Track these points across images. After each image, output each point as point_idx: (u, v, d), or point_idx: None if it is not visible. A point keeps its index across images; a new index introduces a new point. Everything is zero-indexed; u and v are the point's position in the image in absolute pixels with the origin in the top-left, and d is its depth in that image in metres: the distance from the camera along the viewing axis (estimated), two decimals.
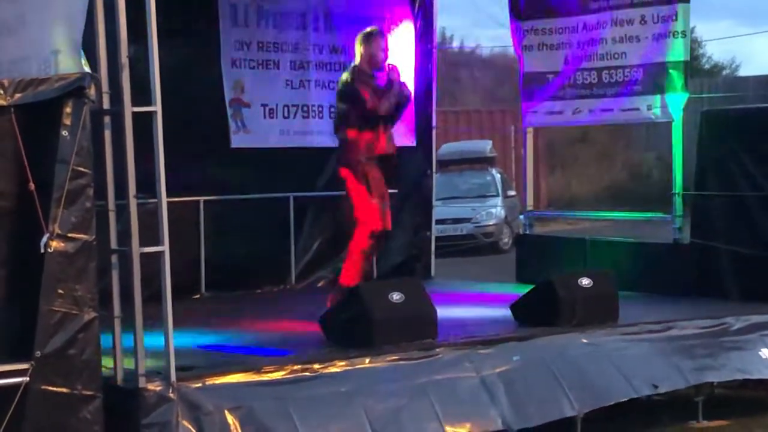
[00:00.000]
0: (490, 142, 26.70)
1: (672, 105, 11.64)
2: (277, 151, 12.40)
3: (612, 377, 8.67)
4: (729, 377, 9.27)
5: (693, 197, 11.36)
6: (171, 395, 7.11)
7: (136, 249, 7.05)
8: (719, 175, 10.97)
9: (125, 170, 7.00)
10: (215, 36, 11.93)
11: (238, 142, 12.09)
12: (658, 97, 11.71)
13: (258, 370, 7.59)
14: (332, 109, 12.56)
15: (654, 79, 11.69)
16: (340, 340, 8.48)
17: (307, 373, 7.74)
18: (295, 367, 7.72)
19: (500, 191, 25.20)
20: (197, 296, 11.98)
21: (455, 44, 40.56)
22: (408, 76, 13.18)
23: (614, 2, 12.02)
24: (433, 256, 13.82)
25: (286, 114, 12.44)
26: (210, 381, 7.36)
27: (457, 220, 23.61)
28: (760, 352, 9.45)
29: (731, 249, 10.76)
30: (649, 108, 11.78)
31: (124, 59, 6.96)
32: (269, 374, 7.61)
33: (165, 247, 7.10)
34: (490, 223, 24.46)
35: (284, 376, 7.64)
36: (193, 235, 12.01)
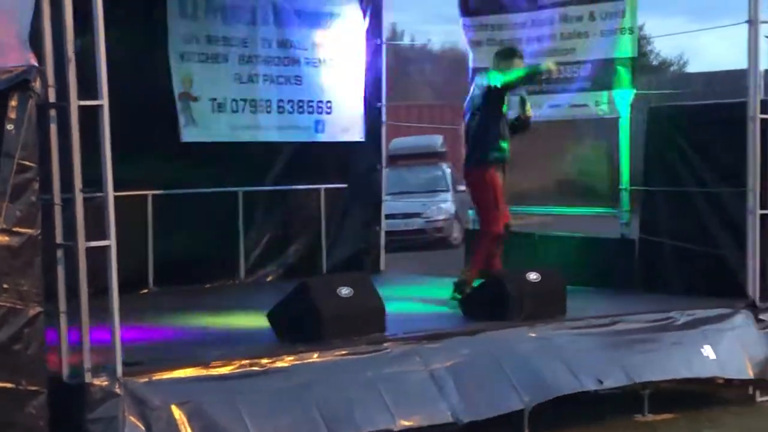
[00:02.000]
0: (441, 137, 26.72)
1: (619, 101, 11.72)
2: (226, 145, 12.35)
3: (559, 371, 8.73)
4: (671, 375, 9.35)
5: (640, 193, 11.43)
6: (117, 390, 7.09)
7: (82, 243, 7.00)
8: (666, 170, 11.05)
9: (71, 164, 6.95)
10: (164, 29, 11.87)
11: (188, 136, 12.03)
12: (605, 93, 11.79)
13: (206, 365, 7.58)
14: (281, 103, 12.57)
15: (602, 75, 11.76)
16: (288, 334, 8.47)
17: (255, 368, 7.74)
18: (243, 362, 7.72)
19: (450, 186, 25.23)
20: (145, 291, 11.92)
21: (406, 39, 40.59)
22: (357, 72, 13.21)
23: None
24: (382, 251, 13.84)
25: (234, 108, 12.39)
26: (157, 376, 7.34)
27: (407, 215, 23.62)
28: (702, 349, 9.54)
29: (677, 244, 10.83)
30: (597, 104, 11.85)
31: (71, 53, 6.91)
32: (217, 369, 7.59)
33: (111, 242, 7.07)
34: (440, 217, 24.49)
35: (232, 371, 7.64)
36: (141, 229, 11.95)
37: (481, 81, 10.55)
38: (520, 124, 10.82)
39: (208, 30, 12.13)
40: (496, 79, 10.37)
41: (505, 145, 10.54)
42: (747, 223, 10.16)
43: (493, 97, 10.41)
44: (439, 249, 22.53)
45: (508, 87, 10.42)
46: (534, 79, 10.86)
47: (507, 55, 10.72)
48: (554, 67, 10.69)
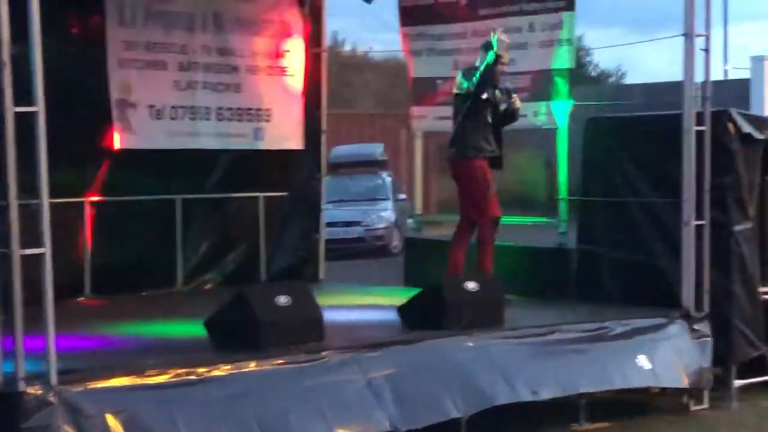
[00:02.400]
0: (382, 145, 26.78)
1: (557, 112, 11.81)
2: (164, 152, 12.30)
3: (495, 381, 8.76)
4: (606, 386, 9.42)
5: (578, 203, 11.50)
6: (51, 399, 7.02)
7: (17, 251, 6.94)
8: (603, 181, 11.13)
9: (6, 171, 6.89)
10: (102, 35, 11.80)
11: (124, 143, 11.97)
12: (544, 104, 11.87)
13: (141, 374, 7.52)
14: (220, 111, 12.54)
15: (541, 86, 11.84)
16: (226, 343, 8.44)
17: (191, 377, 7.69)
18: (180, 371, 7.66)
19: (391, 194, 25.29)
20: (81, 298, 11.84)
21: (348, 47, 40.63)
22: (297, 80, 13.21)
23: (502, 9, 12.15)
24: (322, 259, 13.84)
25: (173, 115, 12.34)
26: (92, 385, 7.28)
27: (347, 223, 23.65)
28: (637, 360, 9.61)
29: (614, 254, 10.91)
30: (536, 114, 11.92)
31: (5, 58, 6.85)
32: (153, 378, 7.54)
33: (47, 249, 7.01)
34: (381, 226, 24.53)
35: (168, 380, 7.58)
36: (78, 236, 11.87)
37: (460, 81, 10.84)
38: (508, 115, 10.99)
39: (147, 37, 12.08)
40: (464, 85, 10.74)
41: (491, 138, 10.87)
42: (682, 234, 10.25)
43: (471, 98, 10.72)
44: (379, 257, 22.55)
45: (473, 89, 10.67)
46: (492, 69, 10.75)
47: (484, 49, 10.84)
48: (502, 37, 10.73)
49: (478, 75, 10.67)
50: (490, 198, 10.88)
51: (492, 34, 10.80)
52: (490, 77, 10.71)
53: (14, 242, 6.93)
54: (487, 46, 10.70)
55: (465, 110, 10.81)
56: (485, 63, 10.67)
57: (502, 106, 10.89)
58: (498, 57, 10.66)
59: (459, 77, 10.92)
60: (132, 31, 11.98)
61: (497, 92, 10.85)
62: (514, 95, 10.95)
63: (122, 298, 11.81)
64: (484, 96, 10.73)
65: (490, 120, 10.84)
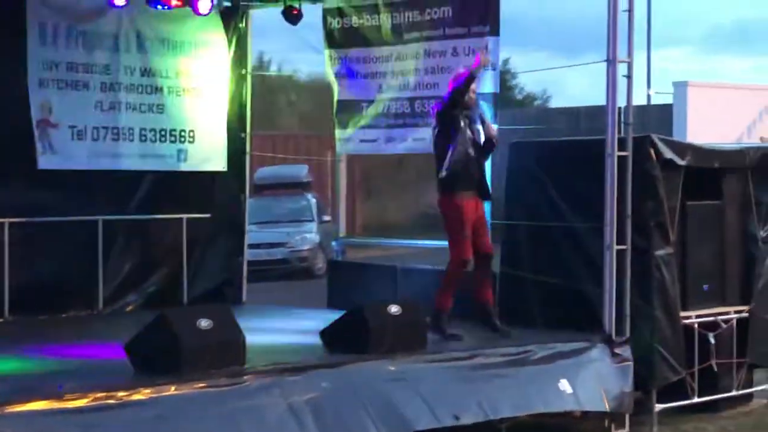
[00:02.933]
0: (306, 167, 26.75)
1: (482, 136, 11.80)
2: (86, 173, 12.21)
3: (417, 406, 8.76)
4: (527, 411, 9.45)
5: (502, 227, 11.54)
6: None
7: None
8: (527, 205, 11.19)
9: None
10: (23, 56, 11.69)
11: (44, 163, 11.86)
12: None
13: (60, 398, 7.44)
14: (143, 132, 12.47)
15: None
16: (146, 367, 8.36)
17: (111, 401, 7.61)
18: (99, 395, 7.59)
19: (315, 216, 25.25)
20: (0, 320, 11.68)
21: (273, 68, 40.52)
22: (221, 101, 13.17)
23: (427, 33, 12.18)
24: (245, 281, 13.78)
25: (95, 136, 12.25)
26: (9, 409, 7.18)
27: (271, 245, 23.56)
28: (559, 384, 9.66)
29: (538, 278, 10.96)
30: None
31: None
32: (72, 402, 7.45)
33: None
34: (305, 248, 24.48)
35: (87, 404, 7.50)
36: None
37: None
38: (487, 145, 10.59)
39: (69, 57, 12.00)
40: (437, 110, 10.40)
41: (471, 170, 10.39)
42: (604, 258, 10.32)
43: (442, 121, 10.38)
44: (303, 279, 22.49)
45: (447, 108, 10.32)
46: (468, 84, 10.33)
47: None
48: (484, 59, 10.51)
49: (447, 99, 10.36)
50: (460, 238, 10.36)
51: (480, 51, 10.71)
52: (459, 101, 10.33)
53: None
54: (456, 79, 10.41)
55: (440, 145, 10.42)
56: (456, 88, 10.34)
57: (480, 137, 10.56)
58: (471, 77, 10.28)
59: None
60: (53, 50, 11.89)
61: (471, 124, 10.47)
62: (487, 121, 10.67)
63: (42, 319, 11.69)
64: (461, 127, 10.32)
65: (472, 153, 10.42)
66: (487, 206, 10.87)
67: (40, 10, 11.77)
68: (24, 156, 11.71)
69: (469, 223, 10.37)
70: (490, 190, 10.65)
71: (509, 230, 11.39)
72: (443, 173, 10.36)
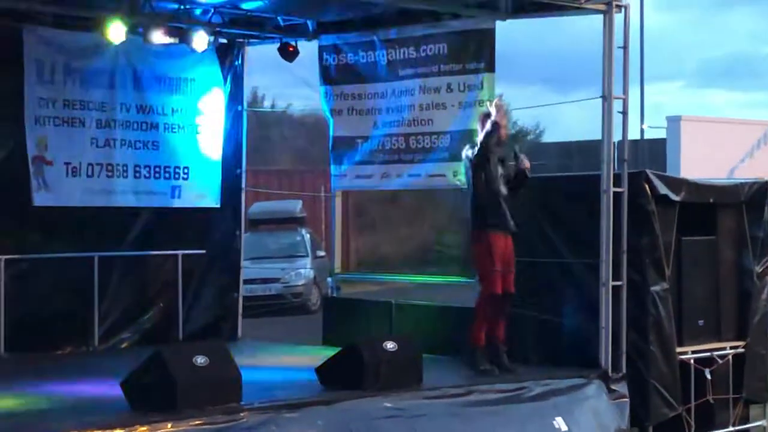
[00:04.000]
0: (300, 202, 26.77)
1: None
2: (82, 209, 12.21)
3: None
4: None
5: None
6: None
7: None
8: (520, 240, 11.18)
9: None
10: (20, 92, 11.71)
11: (39, 200, 11.86)
12: (463, 163, 11.90)
13: None
14: (137, 168, 12.49)
15: (460, 146, 11.84)
16: (143, 403, 8.34)
17: None
18: None
19: (309, 251, 25.26)
20: None
21: (267, 103, 40.61)
22: (216, 138, 13.19)
23: (422, 70, 12.21)
24: (240, 317, 13.76)
25: (90, 173, 12.26)
26: None
27: (266, 280, 23.57)
28: (554, 421, 9.64)
29: (533, 314, 10.95)
30: (455, 174, 11.95)
31: None
32: None
33: None
34: (299, 283, 24.49)
35: None
36: None
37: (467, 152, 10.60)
38: (519, 178, 10.68)
39: (65, 94, 12.02)
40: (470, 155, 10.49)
41: (503, 207, 10.50)
42: (600, 294, 10.33)
43: (474, 167, 10.50)
44: (298, 315, 22.48)
45: (478, 157, 10.43)
46: (492, 135, 10.42)
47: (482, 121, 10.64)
48: (498, 103, 10.60)
49: (479, 149, 10.44)
50: (489, 273, 10.43)
51: (488, 104, 10.73)
52: (490, 147, 10.44)
53: None
54: (486, 116, 10.52)
55: (474, 182, 10.54)
56: (485, 133, 10.42)
57: (507, 170, 10.63)
58: (496, 124, 10.40)
59: (464, 159, 10.68)
60: (50, 87, 11.92)
61: (504, 164, 10.59)
62: (522, 155, 10.72)
63: (38, 356, 11.66)
64: (495, 167, 10.45)
65: (503, 191, 10.51)
66: None
67: (37, 47, 11.80)
68: (19, 193, 11.71)
69: (499, 257, 10.44)
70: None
71: None
72: (480, 213, 10.48)
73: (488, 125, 10.37)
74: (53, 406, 8.79)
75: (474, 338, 10.47)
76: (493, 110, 10.44)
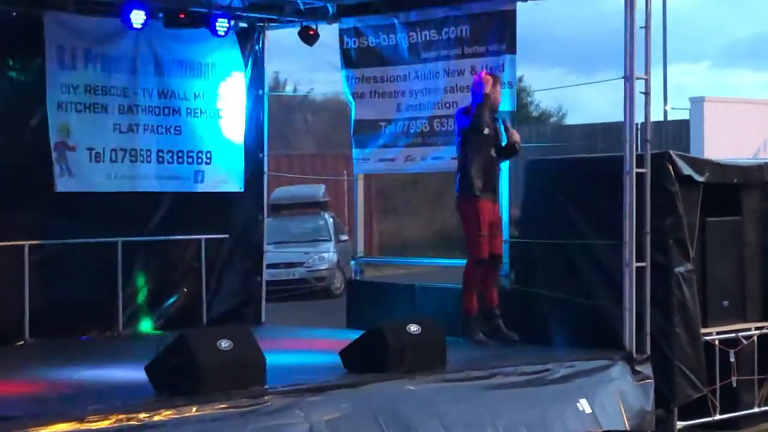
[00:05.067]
0: (323, 186, 26.78)
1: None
2: (106, 195, 12.24)
3: (435, 428, 8.72)
4: None
5: (518, 244, 11.53)
6: None
7: None
8: (543, 222, 11.18)
9: None
10: (42, 79, 11.74)
11: (62, 186, 11.91)
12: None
13: (81, 420, 7.44)
14: (160, 153, 12.52)
15: None
16: (167, 388, 8.36)
17: (132, 422, 7.61)
18: (120, 416, 7.59)
19: (333, 236, 25.28)
20: (21, 342, 11.71)
21: (289, 88, 40.64)
22: (238, 122, 13.20)
23: (445, 53, 12.20)
24: (263, 302, 13.78)
25: (113, 158, 12.29)
26: (33, 431, 7.17)
27: (289, 265, 23.60)
28: (578, 404, 9.62)
29: (556, 296, 10.94)
30: None
31: None
32: (93, 424, 7.45)
33: None
34: (323, 267, 24.51)
35: (109, 426, 7.50)
36: (18, 280, 11.75)
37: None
38: (509, 149, 11.01)
39: (87, 79, 12.04)
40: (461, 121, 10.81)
41: (491, 171, 10.82)
42: (623, 276, 10.30)
43: (465, 136, 10.78)
44: (322, 299, 22.51)
45: (471, 127, 10.72)
46: (484, 106, 10.80)
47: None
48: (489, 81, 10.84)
49: (472, 119, 10.77)
50: (476, 238, 10.75)
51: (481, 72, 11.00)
52: (482, 116, 10.75)
53: None
54: (476, 87, 10.85)
55: (465, 147, 10.87)
56: (477, 104, 10.78)
57: (502, 139, 10.94)
58: (487, 96, 10.75)
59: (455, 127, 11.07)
60: (72, 73, 11.94)
61: (496, 126, 10.92)
62: (512, 129, 11.00)
63: (62, 342, 11.70)
64: (486, 131, 10.80)
65: (494, 155, 10.90)
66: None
67: (59, 33, 11.83)
68: (43, 179, 11.75)
69: (486, 223, 10.68)
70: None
71: (525, 247, 11.38)
72: (466, 177, 10.73)
73: (480, 96, 10.70)
74: (78, 391, 8.82)
75: (466, 307, 10.71)
76: (487, 83, 10.70)
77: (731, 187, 11.24)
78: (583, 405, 9.61)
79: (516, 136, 10.94)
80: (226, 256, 13.45)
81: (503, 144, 10.98)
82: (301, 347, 11.27)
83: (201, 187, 13.00)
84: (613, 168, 10.45)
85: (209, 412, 7.94)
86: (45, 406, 8.09)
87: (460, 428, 8.86)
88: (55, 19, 11.81)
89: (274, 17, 13.19)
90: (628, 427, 9.94)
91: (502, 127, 11.01)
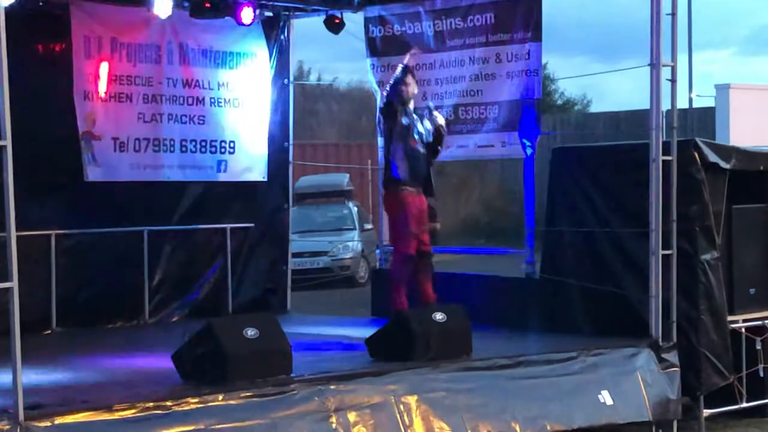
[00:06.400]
0: (347, 175, 26.80)
1: (525, 142, 11.82)
2: (131, 184, 12.28)
3: (456, 422, 8.72)
4: (568, 424, 9.34)
5: (543, 232, 11.52)
6: None
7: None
8: (569, 210, 11.15)
9: None
10: (68, 68, 11.77)
11: (90, 175, 11.95)
12: (511, 134, 11.89)
13: (109, 408, 7.47)
14: (184, 143, 12.54)
15: (508, 116, 11.86)
16: (193, 376, 8.39)
17: (159, 411, 7.63)
18: (147, 405, 7.61)
19: (357, 224, 25.29)
20: (48, 332, 11.76)
21: (313, 77, 40.67)
22: (262, 112, 13.20)
23: (471, 41, 12.18)
24: (289, 290, 13.80)
25: (137, 148, 12.32)
26: (59, 420, 7.22)
27: (314, 254, 23.63)
28: (599, 395, 9.58)
29: (581, 284, 10.91)
30: (504, 144, 11.94)
31: None
32: (120, 412, 7.48)
33: (14, 284, 6.96)
34: (347, 256, 24.54)
35: (135, 414, 7.53)
36: (45, 269, 11.80)
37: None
38: (435, 135, 10.84)
39: (113, 69, 12.06)
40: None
41: (417, 166, 10.58)
42: (650, 264, 10.27)
43: (385, 115, 10.64)
44: (346, 287, 22.54)
45: (384, 109, 10.63)
46: (397, 88, 10.73)
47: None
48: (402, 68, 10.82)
49: (383, 102, 10.76)
50: (404, 234, 10.54)
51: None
52: (395, 101, 10.62)
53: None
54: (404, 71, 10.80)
55: (388, 140, 10.71)
56: (390, 86, 10.74)
57: (424, 128, 10.75)
58: (400, 79, 10.66)
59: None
60: (98, 62, 11.97)
61: (420, 120, 10.74)
62: (435, 112, 10.88)
63: (89, 330, 11.75)
64: (405, 122, 10.62)
65: (420, 149, 10.69)
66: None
67: (85, 22, 11.86)
68: (69, 168, 11.80)
69: (413, 219, 10.47)
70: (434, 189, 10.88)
71: (551, 235, 11.36)
72: (390, 169, 10.57)
73: (392, 79, 10.65)
74: (104, 379, 8.86)
75: (394, 304, 10.51)
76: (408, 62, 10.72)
77: (758, 174, 11.19)
78: (605, 396, 9.55)
79: (439, 120, 10.77)
80: (252, 245, 13.47)
81: (427, 131, 10.77)
82: (327, 336, 11.28)
83: (223, 177, 13.02)
84: (639, 156, 10.41)
85: (235, 401, 7.96)
86: (72, 394, 8.12)
87: (481, 418, 8.85)
88: (82, 9, 11.83)
89: (300, 6, 13.18)
90: (651, 417, 9.90)
91: (427, 115, 10.82)
